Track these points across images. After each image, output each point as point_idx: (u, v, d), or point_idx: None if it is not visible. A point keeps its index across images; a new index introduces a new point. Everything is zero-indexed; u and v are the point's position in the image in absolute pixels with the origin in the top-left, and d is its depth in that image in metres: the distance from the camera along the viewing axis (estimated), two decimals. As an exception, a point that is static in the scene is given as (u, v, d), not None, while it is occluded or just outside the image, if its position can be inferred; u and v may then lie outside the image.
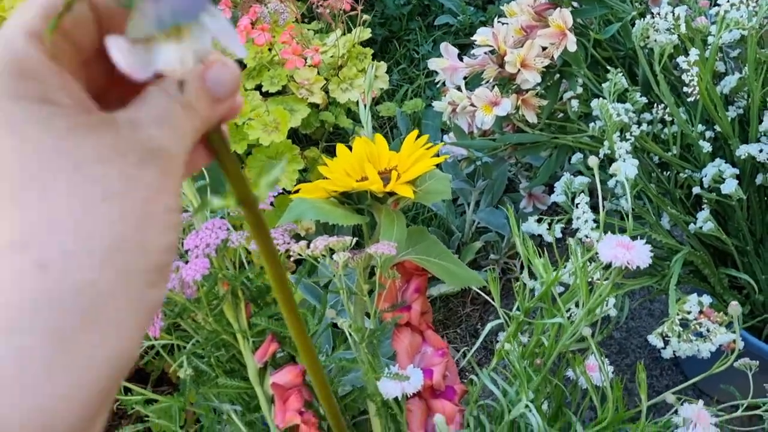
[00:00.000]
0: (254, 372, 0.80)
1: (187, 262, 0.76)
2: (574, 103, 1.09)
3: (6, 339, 0.21)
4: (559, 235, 1.08)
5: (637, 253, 0.68)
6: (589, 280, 0.77)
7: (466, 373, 1.31)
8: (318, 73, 1.22)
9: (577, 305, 0.83)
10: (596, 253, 0.76)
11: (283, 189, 1.13)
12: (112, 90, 0.27)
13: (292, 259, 0.75)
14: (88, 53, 0.26)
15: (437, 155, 0.88)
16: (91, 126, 0.23)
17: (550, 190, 1.46)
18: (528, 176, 1.47)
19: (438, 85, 1.25)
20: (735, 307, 0.71)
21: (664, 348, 0.92)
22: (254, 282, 0.80)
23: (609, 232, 0.82)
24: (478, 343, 0.86)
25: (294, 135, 1.39)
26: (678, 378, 1.43)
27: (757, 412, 0.86)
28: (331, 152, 1.38)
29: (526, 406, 0.77)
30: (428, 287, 1.41)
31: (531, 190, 1.34)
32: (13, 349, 0.20)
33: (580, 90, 1.08)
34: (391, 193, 0.81)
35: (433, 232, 1.38)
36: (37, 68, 0.23)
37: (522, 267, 1.49)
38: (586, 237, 0.97)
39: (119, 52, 0.22)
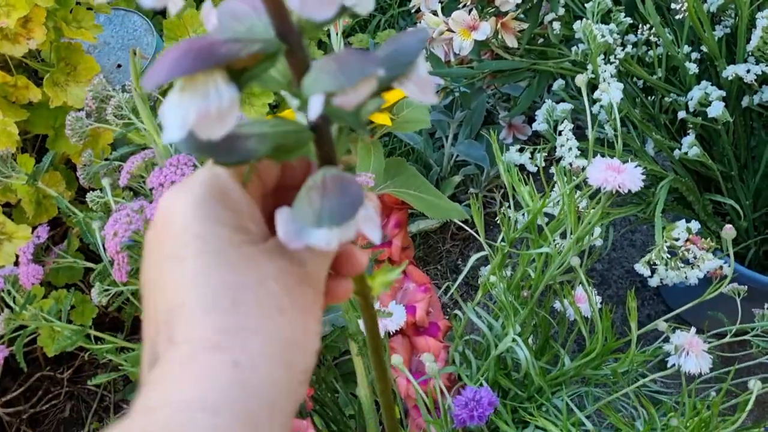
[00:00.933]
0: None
1: (151, 202, 0.71)
2: (556, 25, 1.04)
3: (206, 417, 0.24)
4: (542, 165, 1.05)
5: (629, 176, 0.65)
6: (576, 207, 0.73)
7: (449, 309, 1.29)
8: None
9: (563, 235, 0.80)
10: (584, 180, 0.72)
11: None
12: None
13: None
14: (269, 188, 0.31)
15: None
16: (269, 251, 0.28)
17: (530, 121, 1.42)
18: (507, 107, 1.43)
19: (413, 11, 1.19)
20: (729, 231, 0.69)
21: (651, 276, 0.90)
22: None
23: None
24: (461, 277, 0.83)
25: (263, 69, 1.33)
26: (660, 308, 1.43)
27: (745, 337, 0.84)
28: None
29: (513, 340, 0.74)
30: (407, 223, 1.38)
31: (511, 120, 1.30)
32: (212, 427, 0.24)
33: (562, 11, 1.03)
34: (368, 122, 0.76)
35: (411, 166, 1.34)
36: (237, 200, 0.29)
37: (503, 200, 1.46)
38: (572, 164, 0.93)
39: (282, 221, 0.27)
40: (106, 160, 0.83)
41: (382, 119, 0.74)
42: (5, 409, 1.25)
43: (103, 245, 0.74)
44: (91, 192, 0.81)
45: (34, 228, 0.88)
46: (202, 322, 0.26)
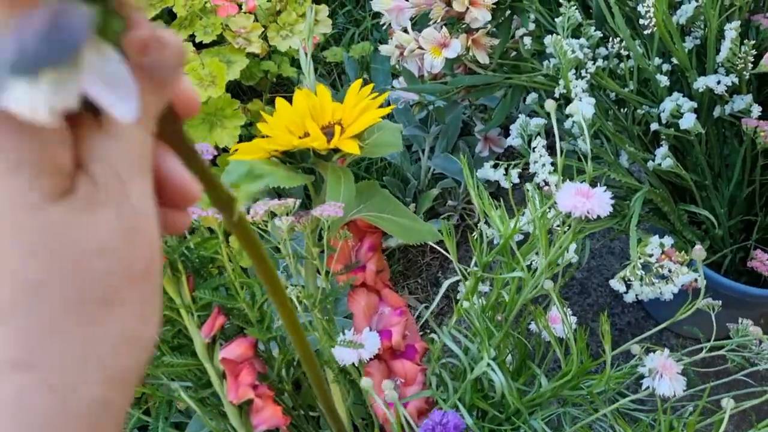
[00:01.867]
0: (202, 348, 0.75)
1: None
2: (527, 40, 1.04)
3: None
4: (517, 180, 1.05)
5: (597, 202, 0.65)
6: (549, 227, 0.73)
7: (429, 326, 1.29)
8: (255, 19, 1.15)
9: (537, 254, 0.80)
10: (555, 202, 0.72)
11: (224, 147, 1.06)
12: None
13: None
14: None
15: (385, 104, 0.83)
16: (90, 201, 0.21)
17: (506, 133, 1.42)
18: (483, 119, 1.43)
19: (384, 28, 1.18)
20: (699, 252, 0.69)
21: (627, 292, 0.90)
22: (195, 252, 0.75)
23: (567, 178, 0.79)
24: (437, 300, 0.82)
25: (237, 87, 1.32)
26: (639, 314, 1.43)
27: (721, 352, 0.84)
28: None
29: (488, 364, 0.74)
30: (385, 238, 1.37)
31: (486, 133, 1.30)
32: None
33: (532, 26, 1.03)
34: (337, 150, 0.76)
35: (388, 181, 1.34)
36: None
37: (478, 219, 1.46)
38: (545, 183, 0.93)
39: None
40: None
41: (350, 147, 0.73)
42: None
43: None
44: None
45: None
46: None
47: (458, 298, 0.93)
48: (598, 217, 0.70)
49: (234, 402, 0.77)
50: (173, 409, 0.82)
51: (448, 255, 0.84)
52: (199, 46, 1.13)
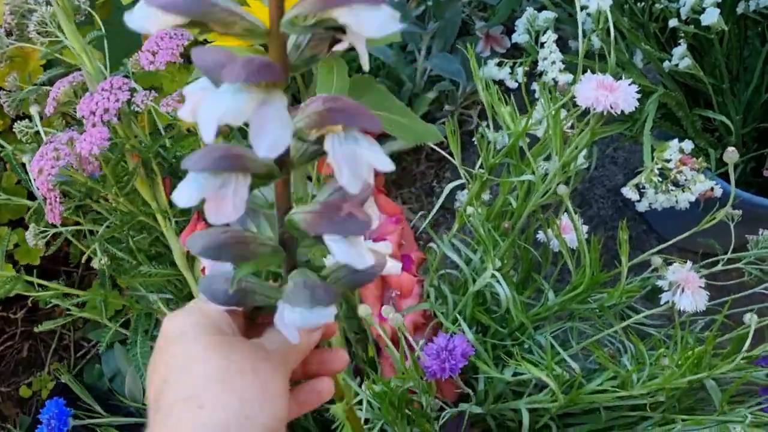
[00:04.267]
0: (181, 256, 0.69)
1: (82, 132, 0.62)
2: (538, -77, 0.94)
3: None
4: (523, 80, 0.96)
5: (623, 95, 0.57)
6: (562, 128, 0.66)
7: (423, 237, 1.23)
8: None
9: (547, 159, 0.73)
10: (571, 99, 0.65)
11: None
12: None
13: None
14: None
15: None
16: (239, 340, 0.37)
17: (509, 33, 1.32)
18: (484, 17, 1.33)
19: None
20: (731, 154, 0.62)
21: (639, 201, 0.84)
22: (171, 151, 0.67)
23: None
24: (435, 208, 0.76)
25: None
26: (642, 227, 1.38)
27: (738, 265, 0.79)
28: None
29: (492, 275, 0.68)
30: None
31: (488, 30, 1.21)
32: None
33: None
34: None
35: (381, 83, 1.25)
36: (221, 320, 0.38)
37: (480, 118, 1.38)
38: (555, 82, 0.85)
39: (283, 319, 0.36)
40: (35, 85, 0.74)
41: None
42: (-40, 350, 1.18)
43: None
44: (19, 121, 0.72)
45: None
46: (178, 387, 0.34)
47: (457, 208, 0.87)
48: (621, 113, 0.63)
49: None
50: (154, 323, 0.77)
51: (445, 160, 0.78)
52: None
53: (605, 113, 0.58)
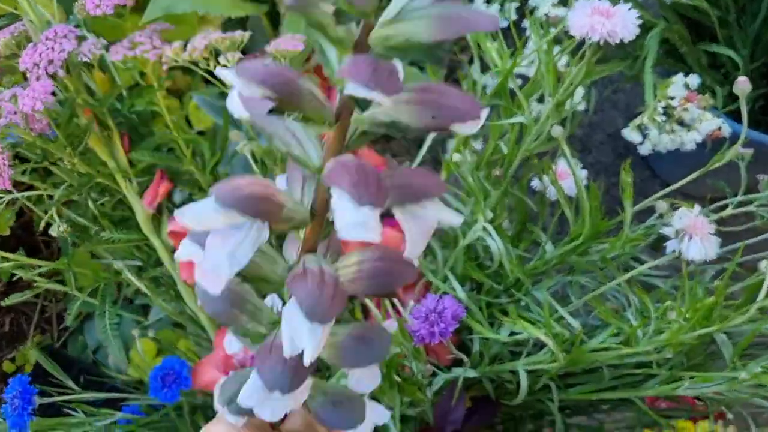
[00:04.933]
0: (145, 219, 0.63)
1: (25, 88, 0.56)
2: None
3: None
4: (513, 18, 0.90)
5: (621, 21, 0.51)
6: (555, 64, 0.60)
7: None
8: None
9: (540, 100, 0.67)
10: (564, 31, 0.58)
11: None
12: None
13: (167, 67, 0.56)
14: None
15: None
16: None
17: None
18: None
19: None
20: (743, 84, 0.56)
21: (642, 143, 0.78)
22: (127, 105, 0.62)
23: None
24: (422, 153, 0.70)
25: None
26: (645, 173, 1.32)
27: (749, 208, 0.73)
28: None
29: (484, 228, 0.63)
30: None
31: (477, -31, 1.13)
32: None
33: None
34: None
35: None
36: None
37: (471, 62, 1.31)
38: (549, 15, 0.78)
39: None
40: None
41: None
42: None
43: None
44: (-39, 79, 0.66)
45: None
46: None
47: (444, 158, 0.81)
48: (621, 47, 0.57)
49: (189, 282, 0.66)
50: (123, 291, 0.72)
51: None
52: None
53: (602, 43, 0.52)
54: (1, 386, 1.20)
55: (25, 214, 1.03)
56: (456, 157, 0.62)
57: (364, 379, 0.30)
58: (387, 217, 0.75)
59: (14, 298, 0.75)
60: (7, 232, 1.01)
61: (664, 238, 0.63)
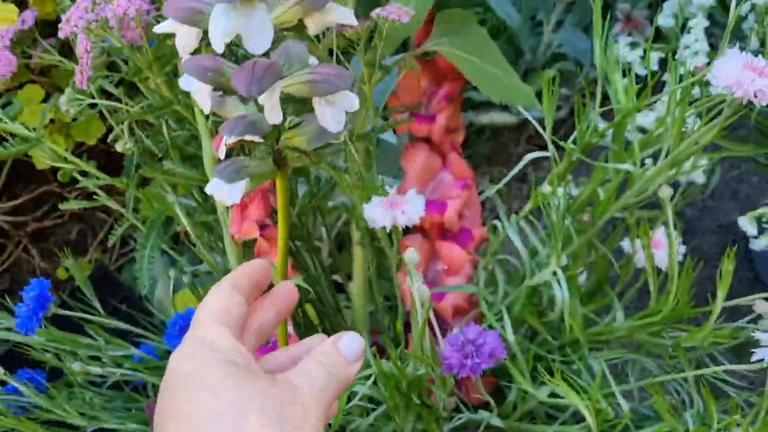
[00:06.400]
0: (210, 162, 0.61)
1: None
2: None
3: None
4: (656, 68, 0.83)
5: (775, 85, 0.44)
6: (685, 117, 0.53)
7: (492, 209, 1.11)
8: None
9: (654, 158, 0.60)
10: (705, 83, 0.52)
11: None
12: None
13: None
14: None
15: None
16: (255, 375, 0.33)
17: (652, 21, 1.17)
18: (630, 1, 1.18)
19: None
20: None
21: (757, 237, 0.70)
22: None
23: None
24: (511, 174, 0.64)
25: None
26: (747, 275, 1.21)
27: None
28: None
29: (554, 273, 0.57)
30: (477, 111, 1.18)
31: (632, 11, 1.06)
32: None
33: None
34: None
35: (481, 27, 1.12)
36: (230, 347, 0.34)
37: (592, 94, 1.24)
38: (695, 64, 0.71)
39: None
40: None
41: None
42: (11, 217, 1.17)
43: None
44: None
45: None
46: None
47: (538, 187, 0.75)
48: (764, 123, 0.50)
49: (236, 237, 0.63)
50: (172, 228, 0.70)
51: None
52: None
53: (745, 103, 0.45)
54: (53, 291, 1.23)
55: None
56: (547, 188, 0.56)
57: (330, 114, 0.35)
58: (449, 238, 0.68)
59: (71, 204, 0.74)
60: (93, 142, 1.02)
61: (752, 344, 0.55)
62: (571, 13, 1.11)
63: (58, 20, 0.60)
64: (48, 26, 0.93)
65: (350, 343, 0.36)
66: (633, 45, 0.83)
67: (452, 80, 0.67)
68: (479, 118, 1.16)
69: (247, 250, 0.65)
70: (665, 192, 0.50)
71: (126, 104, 0.65)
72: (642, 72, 0.83)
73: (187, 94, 0.61)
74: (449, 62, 0.63)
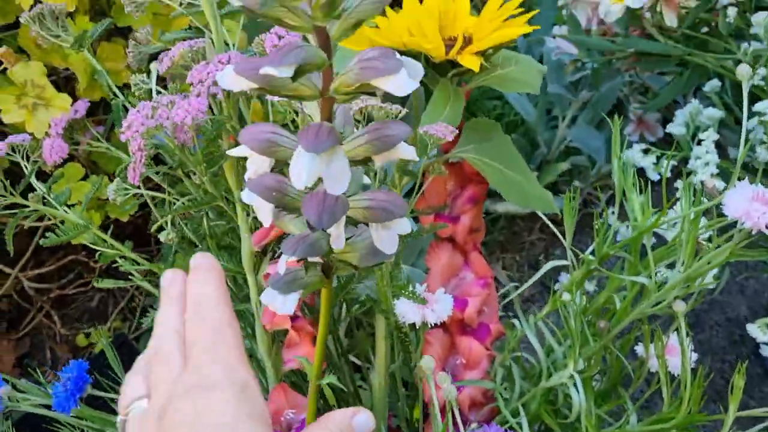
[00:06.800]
0: (248, 255, 0.64)
1: (186, 98, 0.59)
2: (731, 12, 0.85)
3: None
4: (667, 174, 0.87)
5: (783, 217, 0.48)
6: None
7: (511, 310, 1.14)
8: None
9: (670, 266, 0.64)
10: (717, 206, 0.55)
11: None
12: None
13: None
14: None
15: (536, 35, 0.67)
16: None
17: (665, 122, 1.22)
18: (641, 101, 1.23)
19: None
20: None
21: (767, 344, 0.72)
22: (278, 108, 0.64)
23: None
24: (532, 281, 0.68)
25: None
26: (757, 371, 1.22)
27: None
28: None
29: (571, 375, 0.59)
30: (493, 201, 1.22)
31: (644, 114, 1.11)
32: None
33: (743, -4, 0.83)
34: (455, 65, 0.61)
35: (515, 140, 1.18)
36: (257, 396, 0.35)
37: (608, 204, 1.28)
38: (704, 183, 0.75)
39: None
40: (161, 42, 0.72)
41: (470, 62, 0.59)
42: (35, 283, 1.20)
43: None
44: (136, 75, 0.70)
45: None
46: None
47: (556, 289, 0.78)
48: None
49: (267, 328, 0.66)
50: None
51: (558, 236, 0.69)
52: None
53: (755, 232, 0.48)
54: (69, 357, 1.24)
55: (146, 207, 1.07)
56: (566, 296, 0.59)
57: (385, 238, 0.38)
58: (468, 333, 0.71)
59: (107, 283, 0.77)
60: (126, 219, 1.07)
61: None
62: (584, 111, 1.17)
63: (103, 103, 0.64)
64: (93, 108, 0.99)
65: (366, 422, 0.37)
66: (646, 151, 0.87)
67: (477, 184, 0.71)
68: (495, 207, 1.20)
69: (277, 339, 0.68)
70: (679, 306, 0.54)
71: (169, 193, 0.69)
72: (654, 177, 0.87)
73: (229, 190, 0.65)
74: (474, 168, 0.67)
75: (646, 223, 0.54)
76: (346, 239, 0.42)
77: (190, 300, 0.38)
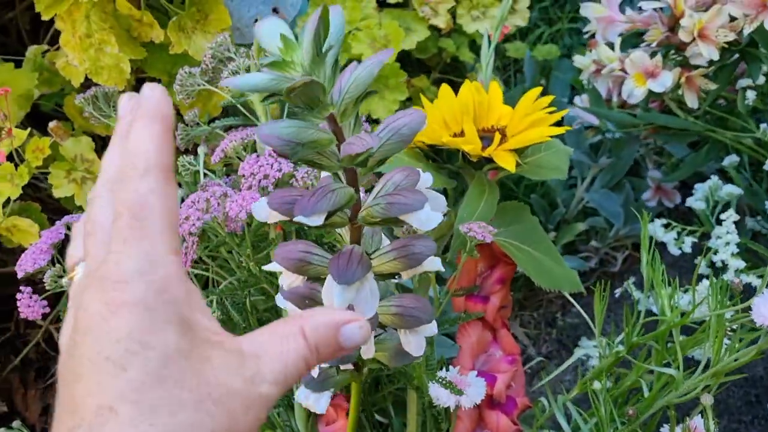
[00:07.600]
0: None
1: (239, 191, 0.63)
2: (750, 94, 0.88)
3: None
4: (689, 249, 0.90)
5: (808, 326, 0.51)
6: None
7: (535, 372, 1.16)
8: (449, -9, 1.04)
9: (695, 360, 0.66)
10: (746, 308, 0.58)
11: (376, 119, 0.97)
12: None
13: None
14: None
15: (560, 123, 0.70)
16: (224, 364, 0.29)
17: (682, 186, 1.25)
18: (658, 162, 1.27)
19: (585, 36, 1.05)
20: None
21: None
22: (311, 235, 0.67)
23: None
24: (565, 365, 0.70)
25: (404, 58, 1.22)
26: (771, 430, 1.24)
27: None
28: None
29: (601, 460, 0.62)
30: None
31: (661, 182, 1.14)
32: None
33: (761, 80, 0.87)
34: (489, 159, 0.65)
35: (534, 200, 1.21)
36: (180, 292, 0.29)
37: (624, 263, 1.30)
38: (723, 264, 0.78)
39: None
40: (210, 123, 0.76)
41: (506, 162, 0.62)
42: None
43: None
44: (184, 156, 0.74)
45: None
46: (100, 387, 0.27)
47: (578, 346, 0.81)
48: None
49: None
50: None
51: (574, 294, 0.72)
52: (382, 4, 1.04)
53: (781, 339, 0.51)
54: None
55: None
56: (596, 385, 0.62)
57: (413, 342, 0.41)
58: (496, 407, 0.74)
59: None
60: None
61: None
62: (602, 174, 1.20)
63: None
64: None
65: (355, 333, 0.32)
66: (666, 226, 0.90)
67: (505, 264, 0.74)
68: (515, 266, 1.22)
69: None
70: (707, 400, 0.56)
71: (213, 270, 0.72)
72: (675, 252, 0.89)
73: (274, 274, 0.68)
74: (503, 249, 0.70)
75: (674, 319, 0.57)
76: (375, 336, 0.44)
77: (124, 154, 0.30)
